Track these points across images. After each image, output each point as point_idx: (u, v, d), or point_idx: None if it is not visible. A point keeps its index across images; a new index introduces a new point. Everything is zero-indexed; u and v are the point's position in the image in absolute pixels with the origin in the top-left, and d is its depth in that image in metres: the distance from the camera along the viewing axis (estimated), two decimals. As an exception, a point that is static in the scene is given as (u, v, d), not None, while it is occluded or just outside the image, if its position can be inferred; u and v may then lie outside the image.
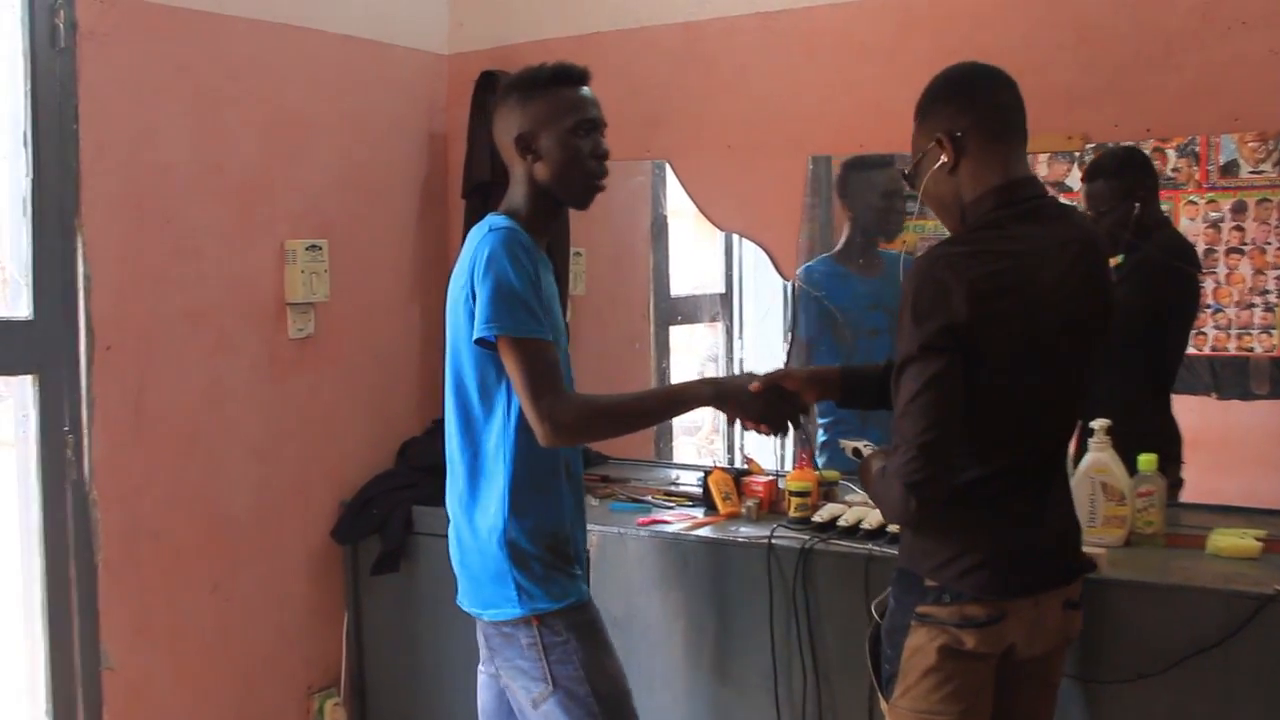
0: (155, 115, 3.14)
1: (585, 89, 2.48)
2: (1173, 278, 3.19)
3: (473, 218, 3.81)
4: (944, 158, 2.21)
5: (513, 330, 2.27)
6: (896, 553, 2.37)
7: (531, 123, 2.43)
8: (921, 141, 2.26)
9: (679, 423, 4.41)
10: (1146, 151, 3.17)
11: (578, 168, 2.45)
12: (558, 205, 2.51)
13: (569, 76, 2.46)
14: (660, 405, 2.51)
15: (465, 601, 2.52)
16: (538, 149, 2.43)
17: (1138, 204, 3.12)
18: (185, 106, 3.21)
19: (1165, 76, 3.03)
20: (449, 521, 2.54)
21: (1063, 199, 3.18)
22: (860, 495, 3.35)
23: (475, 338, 2.31)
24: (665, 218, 4.13)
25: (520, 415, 2.35)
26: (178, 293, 3.21)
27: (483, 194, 3.78)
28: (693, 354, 4.52)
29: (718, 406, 2.46)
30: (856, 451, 2.75)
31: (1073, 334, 2.19)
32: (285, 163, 3.49)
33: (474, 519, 2.43)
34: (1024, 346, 2.14)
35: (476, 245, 2.35)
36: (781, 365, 3.65)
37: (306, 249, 3.50)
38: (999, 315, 2.11)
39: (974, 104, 2.22)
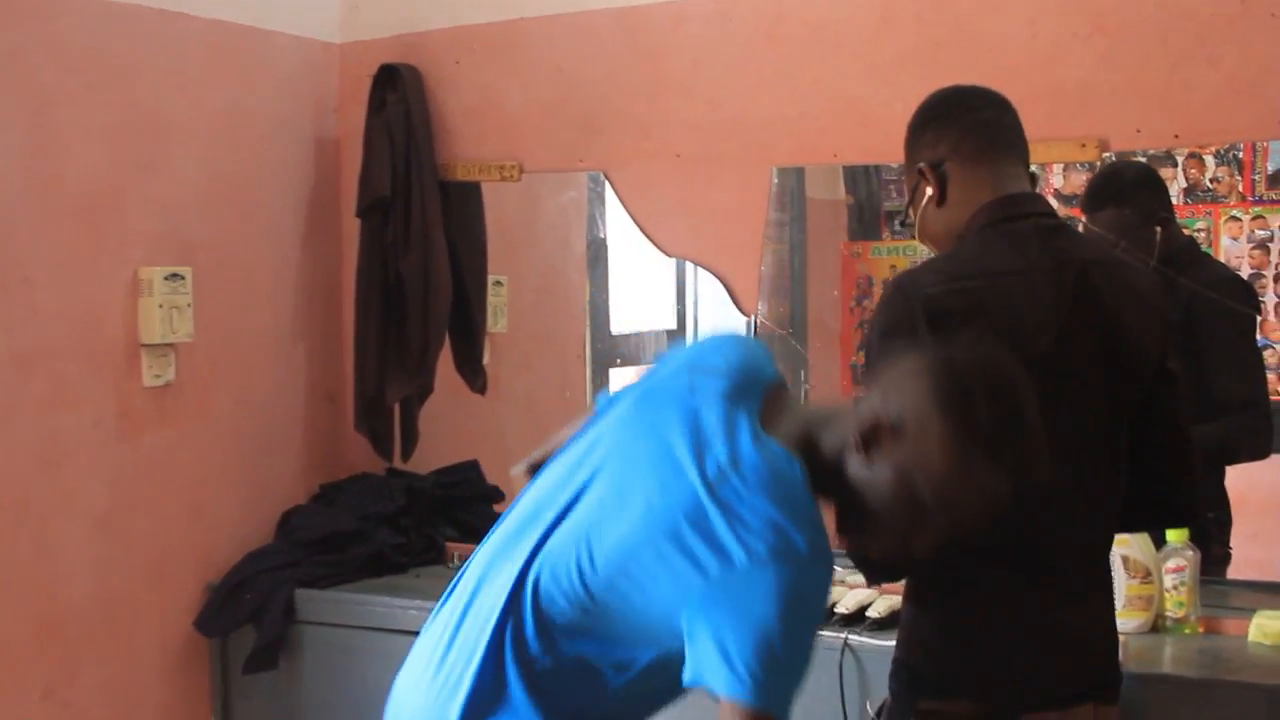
0: (-24, 115, 3.11)
1: None
2: (1218, 318, 3.18)
3: (371, 239, 3.84)
4: (929, 190, 2.25)
5: (768, 708, 1.77)
6: (877, 641, 2.42)
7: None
8: (910, 181, 2.32)
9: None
10: (1180, 158, 3.17)
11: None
12: None
13: None
14: None
15: None
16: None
17: (1159, 228, 3.13)
18: (14, 104, 3.18)
19: (1197, 73, 3.04)
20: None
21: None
22: (836, 571, 3.30)
23: (724, 694, 1.77)
24: (604, 241, 4.13)
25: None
26: (3, 333, 3.17)
27: (382, 211, 3.80)
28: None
29: None
30: None
31: (1079, 379, 2.16)
32: (139, 174, 3.46)
33: None
34: None
35: (776, 553, 1.77)
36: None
37: (165, 279, 3.47)
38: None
39: (952, 125, 2.27)
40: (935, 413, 1.79)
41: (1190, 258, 3.21)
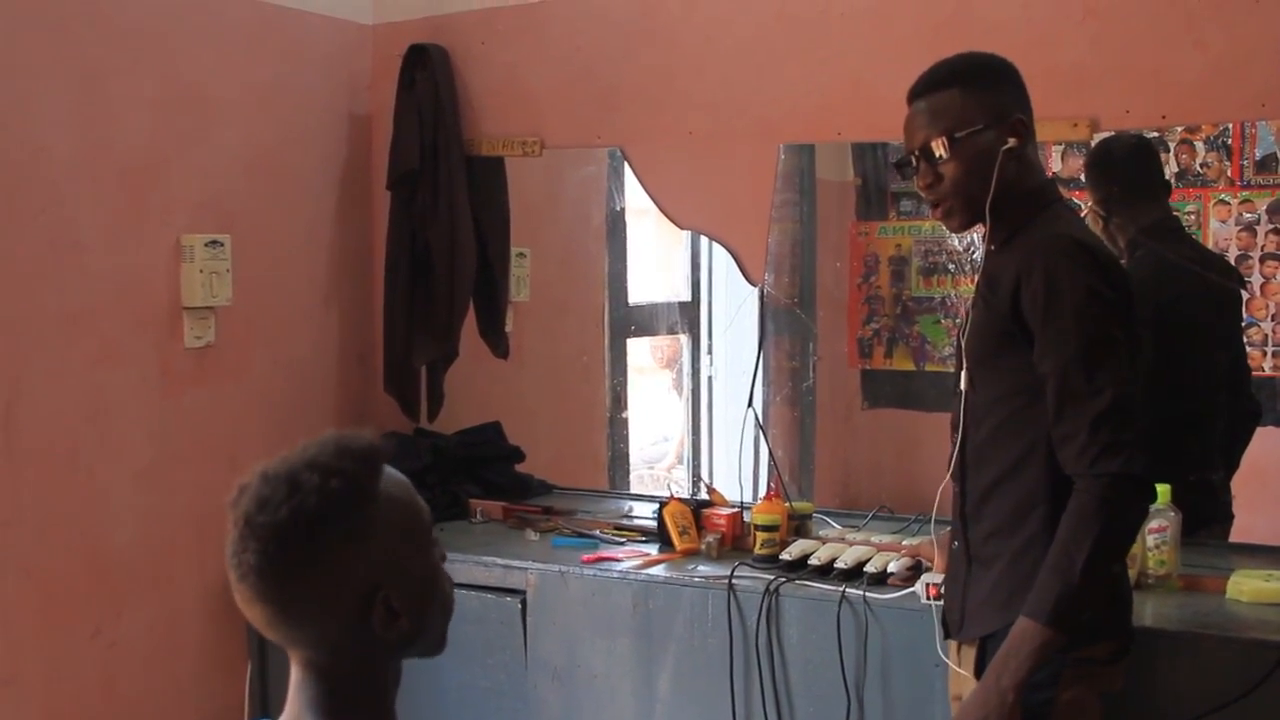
0: (29, 88, 3.10)
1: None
2: (1187, 288, 3.21)
3: (400, 210, 3.85)
4: (1012, 140, 2.31)
5: None
6: (873, 595, 2.33)
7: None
8: (979, 113, 2.31)
9: (639, 453, 4.39)
10: (1171, 144, 3.17)
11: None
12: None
13: None
14: None
15: None
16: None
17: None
18: (65, 78, 3.18)
19: (1184, 56, 3.03)
20: None
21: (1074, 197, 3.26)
22: (836, 529, 3.34)
23: None
24: (622, 214, 4.14)
25: None
26: (55, 293, 3.17)
27: (410, 184, 3.80)
28: (654, 372, 4.51)
29: None
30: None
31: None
32: (182, 146, 3.46)
33: None
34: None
35: None
36: (754, 390, 3.60)
37: (206, 245, 3.47)
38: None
39: (1023, 92, 2.37)
40: None
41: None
